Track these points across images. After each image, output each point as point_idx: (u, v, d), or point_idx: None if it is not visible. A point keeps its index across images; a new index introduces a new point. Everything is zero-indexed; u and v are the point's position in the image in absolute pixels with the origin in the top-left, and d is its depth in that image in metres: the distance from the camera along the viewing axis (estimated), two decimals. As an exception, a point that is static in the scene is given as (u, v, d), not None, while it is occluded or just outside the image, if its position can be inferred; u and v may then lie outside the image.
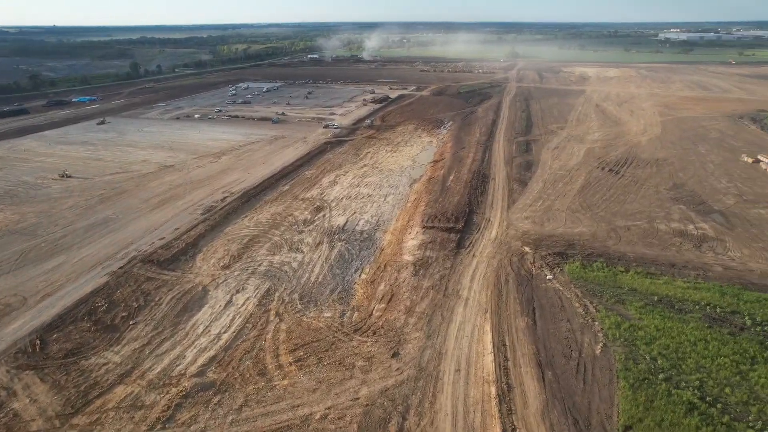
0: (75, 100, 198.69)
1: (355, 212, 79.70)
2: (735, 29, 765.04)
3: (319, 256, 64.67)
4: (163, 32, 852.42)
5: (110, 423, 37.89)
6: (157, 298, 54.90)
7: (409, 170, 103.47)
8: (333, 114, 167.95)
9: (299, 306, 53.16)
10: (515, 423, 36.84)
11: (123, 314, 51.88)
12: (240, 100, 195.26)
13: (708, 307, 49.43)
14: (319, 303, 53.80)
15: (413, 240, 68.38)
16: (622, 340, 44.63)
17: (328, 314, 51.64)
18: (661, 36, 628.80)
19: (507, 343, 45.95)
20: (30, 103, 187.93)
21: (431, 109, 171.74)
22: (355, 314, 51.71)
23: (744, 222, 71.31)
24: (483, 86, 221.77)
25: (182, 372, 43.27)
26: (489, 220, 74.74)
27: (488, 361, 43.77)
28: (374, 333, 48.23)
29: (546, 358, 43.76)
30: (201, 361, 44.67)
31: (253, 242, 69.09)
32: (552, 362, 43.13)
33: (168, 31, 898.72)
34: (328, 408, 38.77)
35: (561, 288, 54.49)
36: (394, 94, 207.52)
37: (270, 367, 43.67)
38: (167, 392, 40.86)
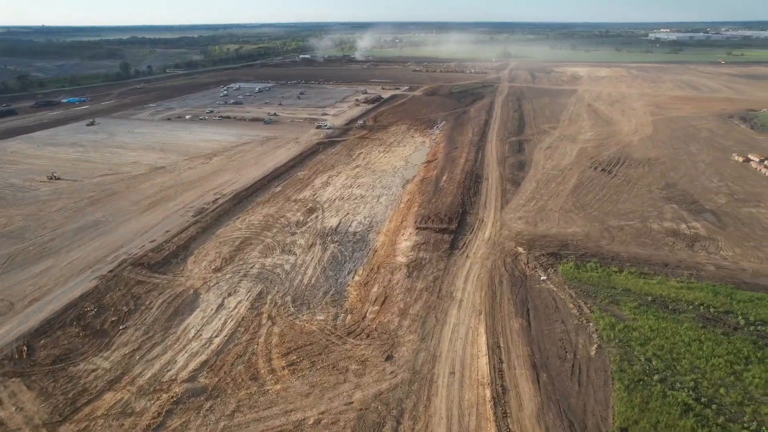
0: (64, 100, 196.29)
1: (347, 213, 79.21)
2: (724, 29, 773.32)
3: (312, 258, 64.12)
4: (154, 32, 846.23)
5: (99, 431, 37.17)
6: (147, 302, 54.08)
7: (402, 171, 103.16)
8: (325, 114, 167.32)
9: (292, 309, 52.59)
10: (510, 426, 36.57)
11: (113, 319, 51.04)
12: (231, 101, 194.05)
13: (701, 307, 49.56)
14: (311, 306, 53.26)
15: (406, 241, 68.02)
16: (616, 341, 44.57)
17: (321, 317, 51.12)
18: (652, 36, 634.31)
19: (501, 345, 45.71)
20: (18, 104, 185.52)
21: (424, 109, 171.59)
22: (349, 317, 51.23)
23: (735, 221, 71.73)
24: (475, 86, 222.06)
25: (173, 377, 42.58)
26: (482, 220, 74.57)
27: (483, 363, 43.49)
28: (368, 336, 47.79)
29: (541, 359, 43.55)
30: (192, 366, 44.00)
31: (245, 244, 68.39)
32: (547, 364, 42.93)
33: (159, 31, 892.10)
34: (322, 413, 38.31)
35: (555, 289, 54.37)
36: (386, 94, 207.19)
37: (262, 371, 43.09)
38: (158, 398, 40.17)
